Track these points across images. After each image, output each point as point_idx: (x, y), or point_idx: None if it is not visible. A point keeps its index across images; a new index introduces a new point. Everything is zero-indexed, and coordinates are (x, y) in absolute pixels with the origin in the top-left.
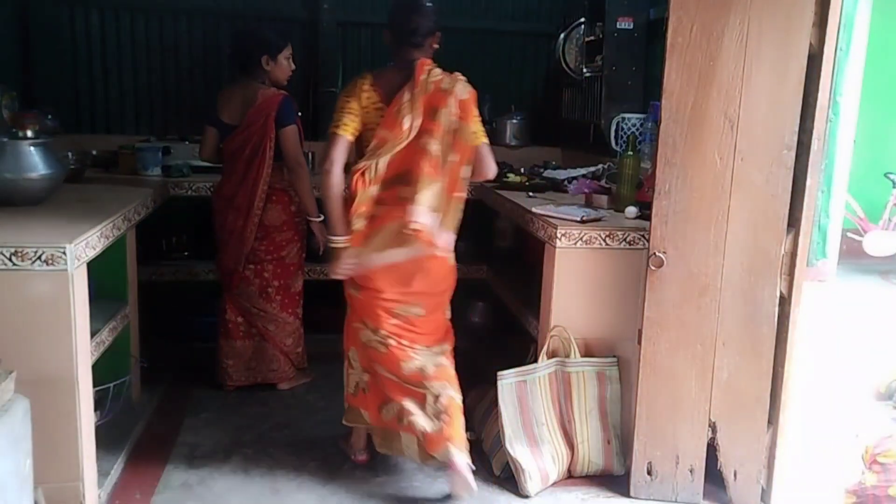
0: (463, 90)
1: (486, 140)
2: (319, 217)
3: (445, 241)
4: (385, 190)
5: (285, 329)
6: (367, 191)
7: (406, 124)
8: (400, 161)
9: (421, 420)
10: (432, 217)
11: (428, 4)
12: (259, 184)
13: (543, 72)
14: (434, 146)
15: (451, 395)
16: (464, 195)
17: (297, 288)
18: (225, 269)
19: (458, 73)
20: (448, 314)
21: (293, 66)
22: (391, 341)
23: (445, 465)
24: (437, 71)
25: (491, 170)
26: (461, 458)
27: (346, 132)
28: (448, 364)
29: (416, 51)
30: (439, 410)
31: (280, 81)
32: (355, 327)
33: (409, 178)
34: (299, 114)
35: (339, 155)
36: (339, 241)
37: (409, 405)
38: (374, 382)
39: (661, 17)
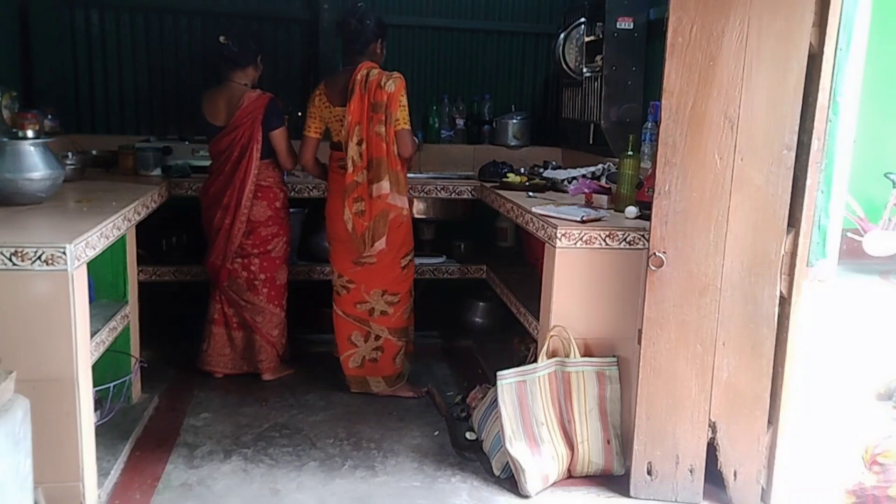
0: (390, 86)
1: (406, 126)
2: None
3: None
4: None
5: (272, 321)
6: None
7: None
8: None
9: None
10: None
11: (370, 16)
12: (246, 184)
13: (543, 72)
14: (381, 131)
15: (389, 337)
16: (401, 166)
17: (283, 280)
18: (212, 265)
19: (395, 72)
20: (403, 263)
21: None
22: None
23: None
24: (376, 71)
25: (405, 151)
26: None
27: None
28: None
29: (359, 56)
30: (377, 347)
31: (255, 81)
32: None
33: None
34: (286, 115)
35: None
36: None
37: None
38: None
39: (661, 17)
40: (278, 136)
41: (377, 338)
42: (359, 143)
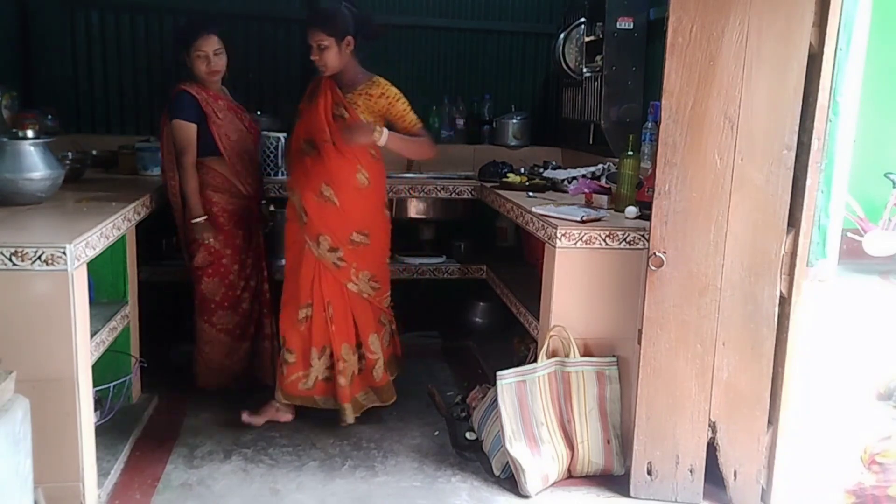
0: None
1: None
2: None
3: None
4: None
5: (201, 336)
6: None
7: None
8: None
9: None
10: None
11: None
12: (165, 171)
13: (543, 72)
14: None
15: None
16: None
17: (214, 297)
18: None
19: None
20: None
21: (215, 62)
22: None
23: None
24: None
25: None
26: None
27: None
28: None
29: None
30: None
31: (202, 78)
32: None
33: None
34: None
35: None
36: None
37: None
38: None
39: (661, 17)
40: (174, 127)
41: None
42: None
